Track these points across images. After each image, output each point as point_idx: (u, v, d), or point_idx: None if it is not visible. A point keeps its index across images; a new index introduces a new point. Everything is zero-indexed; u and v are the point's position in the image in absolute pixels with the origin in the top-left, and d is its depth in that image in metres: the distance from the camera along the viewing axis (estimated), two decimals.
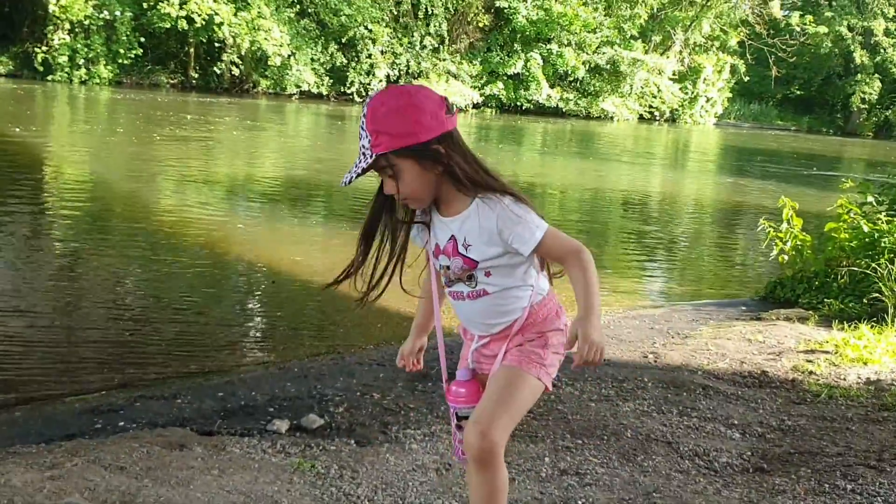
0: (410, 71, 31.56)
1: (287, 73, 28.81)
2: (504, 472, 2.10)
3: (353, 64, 30.34)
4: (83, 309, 5.59)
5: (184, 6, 26.05)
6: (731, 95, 43.38)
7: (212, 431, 3.56)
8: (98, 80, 26.14)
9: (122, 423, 3.66)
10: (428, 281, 2.30)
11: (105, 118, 18.92)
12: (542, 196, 13.35)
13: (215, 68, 28.40)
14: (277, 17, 28.21)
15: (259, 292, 6.46)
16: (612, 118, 36.21)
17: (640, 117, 38.06)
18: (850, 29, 46.25)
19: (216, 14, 26.52)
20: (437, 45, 32.50)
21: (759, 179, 18.31)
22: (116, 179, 10.94)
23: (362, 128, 2.04)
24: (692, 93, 39.99)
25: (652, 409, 4.04)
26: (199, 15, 26.24)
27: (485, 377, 2.22)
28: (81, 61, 26.00)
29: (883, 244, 6.39)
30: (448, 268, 2.16)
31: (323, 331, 5.62)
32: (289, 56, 28.38)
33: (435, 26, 32.27)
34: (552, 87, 34.58)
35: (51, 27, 25.48)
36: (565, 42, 34.50)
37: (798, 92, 48.89)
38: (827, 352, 5.16)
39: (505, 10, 33.60)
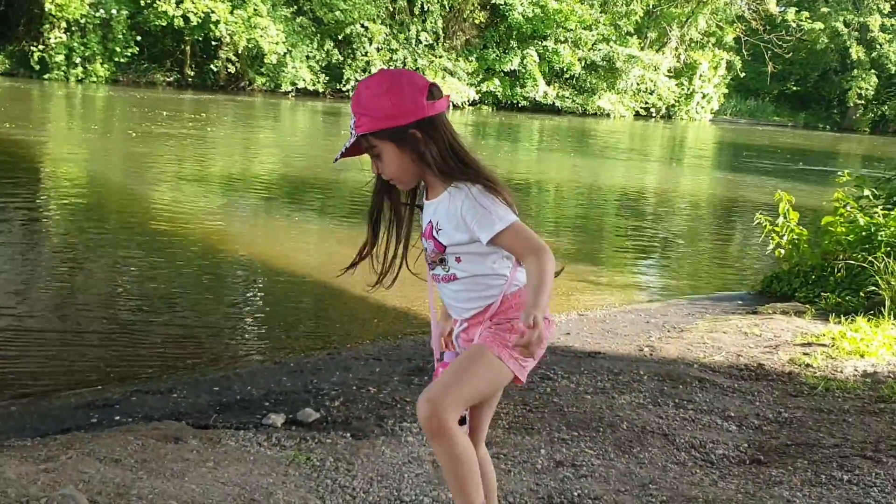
0: (407, 68, 31.51)
1: (283, 71, 28.77)
2: (460, 441, 2.08)
3: (349, 61, 30.31)
4: (79, 304, 5.58)
5: (180, 4, 26.02)
6: (727, 91, 43.39)
7: (207, 425, 3.55)
8: (94, 79, 26.10)
9: (117, 417, 3.65)
10: None
11: (102, 116, 18.88)
12: (538, 193, 13.36)
13: (211, 66, 28.38)
14: (273, 14, 28.18)
15: (255, 287, 6.45)
16: (608, 115, 36.20)
17: (637, 114, 38.06)
18: (847, 24, 46.29)
19: (212, 12, 26.49)
20: (432, 42, 32.48)
21: (754, 174, 18.32)
22: (113, 176, 10.92)
23: (351, 108, 2.13)
24: (688, 89, 40.01)
25: (648, 402, 4.04)
26: (195, 13, 26.21)
27: None
28: (78, 60, 25.94)
29: (879, 238, 6.39)
30: (427, 250, 2.22)
31: (319, 325, 5.62)
32: (285, 53, 28.34)
33: (431, 23, 32.25)
34: (548, 84, 34.59)
35: (47, 25, 25.41)
36: (561, 39, 34.48)
37: (794, 88, 48.94)
38: (823, 345, 5.16)
39: (501, 7, 33.55)
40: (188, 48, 28.42)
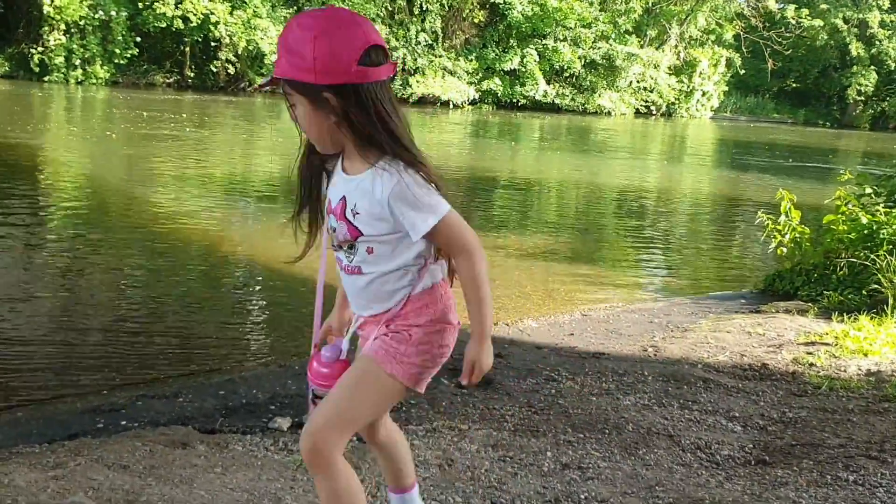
0: (406, 67, 31.52)
1: None
2: (345, 475, 1.91)
3: None
4: (84, 309, 5.58)
5: (179, 6, 26.02)
6: (727, 89, 43.44)
7: (214, 429, 3.57)
8: (94, 81, 26.09)
9: (124, 423, 3.67)
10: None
11: (102, 118, 18.87)
12: (539, 192, 13.37)
13: (211, 67, 28.37)
14: (273, 15, 28.19)
15: (259, 290, 6.46)
16: (608, 113, 36.20)
17: (637, 112, 38.06)
18: (846, 21, 46.30)
19: (212, 13, 26.49)
20: (432, 42, 32.47)
21: (755, 172, 18.32)
22: (115, 179, 10.92)
23: (277, 41, 1.87)
24: (688, 87, 40.04)
25: (653, 403, 4.04)
26: (195, 14, 26.21)
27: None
28: (77, 62, 25.92)
29: (881, 235, 6.41)
30: (335, 230, 1.96)
31: None
32: None
33: (430, 22, 32.24)
34: (548, 82, 34.58)
35: (46, 28, 25.39)
36: (561, 37, 34.48)
37: (794, 85, 48.95)
38: (827, 344, 5.17)
39: (500, 6, 33.56)
40: (188, 49, 28.40)
